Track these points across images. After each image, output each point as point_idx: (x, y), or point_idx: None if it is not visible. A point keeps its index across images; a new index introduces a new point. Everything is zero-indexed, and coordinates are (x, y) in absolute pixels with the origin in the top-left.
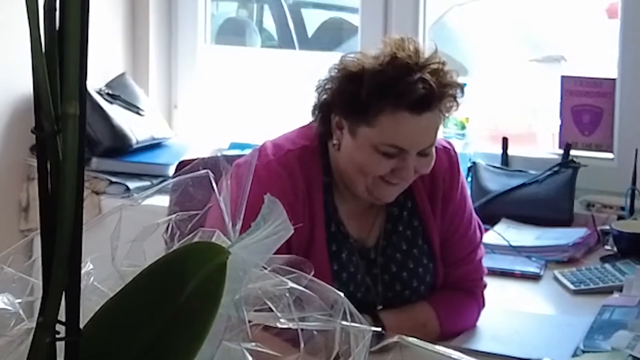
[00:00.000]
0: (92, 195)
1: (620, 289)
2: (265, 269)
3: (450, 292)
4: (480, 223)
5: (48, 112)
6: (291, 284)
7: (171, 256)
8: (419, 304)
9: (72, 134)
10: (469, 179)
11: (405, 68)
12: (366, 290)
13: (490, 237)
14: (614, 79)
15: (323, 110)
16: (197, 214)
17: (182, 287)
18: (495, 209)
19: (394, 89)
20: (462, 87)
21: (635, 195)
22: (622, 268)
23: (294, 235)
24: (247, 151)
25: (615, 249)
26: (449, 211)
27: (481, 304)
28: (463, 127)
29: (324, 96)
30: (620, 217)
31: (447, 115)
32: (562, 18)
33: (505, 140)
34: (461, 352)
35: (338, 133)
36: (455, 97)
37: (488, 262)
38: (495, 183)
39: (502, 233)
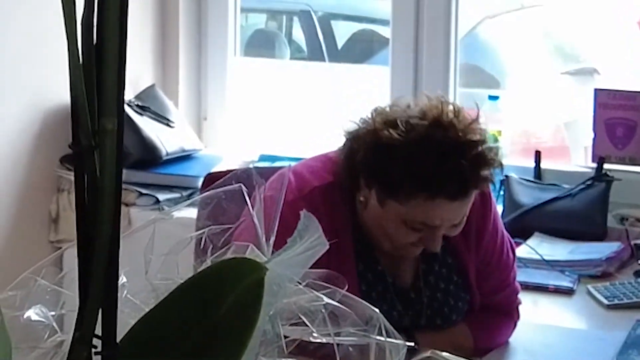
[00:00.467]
0: (121, 207)
1: None
2: (300, 284)
3: (486, 314)
4: (512, 242)
5: (85, 126)
6: (326, 299)
7: (208, 271)
8: (456, 327)
9: (110, 149)
10: (501, 192)
11: (441, 153)
12: (401, 327)
13: (523, 251)
14: None
15: (350, 163)
16: (230, 227)
17: (219, 302)
18: (527, 223)
19: (429, 180)
20: (501, 165)
21: None
22: None
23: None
24: (278, 163)
25: None
26: (483, 243)
27: (516, 319)
28: (495, 140)
29: (354, 152)
30: None
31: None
32: (594, 30)
33: (538, 154)
34: None
35: (366, 191)
36: (492, 179)
37: (521, 276)
38: (527, 197)
39: (535, 247)
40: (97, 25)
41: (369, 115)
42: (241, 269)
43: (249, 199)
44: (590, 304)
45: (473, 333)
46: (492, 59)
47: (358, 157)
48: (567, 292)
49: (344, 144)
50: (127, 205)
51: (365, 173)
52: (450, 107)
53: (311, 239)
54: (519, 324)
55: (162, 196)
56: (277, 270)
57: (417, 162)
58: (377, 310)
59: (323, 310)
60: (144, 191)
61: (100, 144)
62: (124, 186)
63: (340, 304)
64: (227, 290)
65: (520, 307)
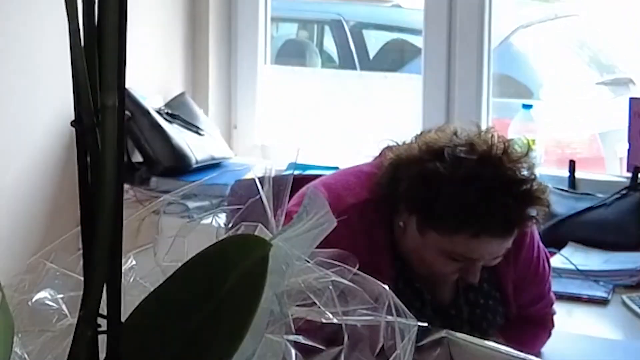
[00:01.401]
0: (151, 215)
1: None
2: (309, 262)
3: (522, 325)
4: (547, 253)
5: (87, 104)
6: (335, 277)
7: (212, 249)
8: (492, 339)
9: (111, 125)
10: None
11: (488, 191)
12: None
13: (557, 261)
14: None
15: (392, 191)
16: (240, 208)
17: (223, 280)
18: (562, 233)
19: (474, 217)
20: (549, 205)
21: None
22: None
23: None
24: (308, 172)
25: None
26: (521, 258)
27: (551, 329)
28: (530, 150)
29: (395, 179)
30: None
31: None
32: (630, 40)
33: (572, 163)
34: None
35: (405, 217)
36: (539, 219)
37: (555, 286)
38: (562, 206)
39: (569, 257)
40: (97, 4)
41: (413, 140)
42: (245, 245)
43: (262, 191)
44: (625, 314)
45: (509, 344)
46: (525, 68)
47: (401, 187)
48: (602, 302)
49: (385, 169)
50: (156, 213)
51: (408, 202)
52: (500, 142)
53: (318, 216)
54: (553, 333)
55: (191, 204)
56: (284, 248)
57: (464, 198)
58: (386, 287)
59: (331, 288)
60: (173, 199)
61: (102, 121)
62: (153, 194)
63: (350, 282)
64: (231, 267)
65: (555, 317)
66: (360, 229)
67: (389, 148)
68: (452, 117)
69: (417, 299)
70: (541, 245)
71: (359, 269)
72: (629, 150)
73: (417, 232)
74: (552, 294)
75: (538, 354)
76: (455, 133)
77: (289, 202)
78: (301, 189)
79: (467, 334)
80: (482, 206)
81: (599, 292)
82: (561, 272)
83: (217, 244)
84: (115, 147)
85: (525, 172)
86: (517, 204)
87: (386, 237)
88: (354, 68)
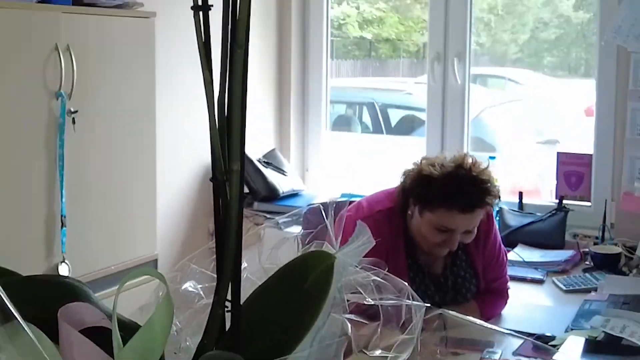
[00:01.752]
0: (253, 226)
1: (595, 290)
2: (357, 267)
3: (489, 295)
4: (505, 249)
5: (220, 168)
6: (373, 277)
7: (297, 259)
8: (469, 304)
9: (235, 182)
10: (497, 218)
11: (461, 183)
12: (433, 303)
13: (511, 256)
14: (591, 154)
15: (405, 192)
16: (313, 232)
17: (305, 279)
18: (514, 238)
19: (450, 199)
20: (499, 197)
21: (605, 229)
22: (597, 276)
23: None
24: (354, 199)
25: (592, 264)
26: (487, 248)
27: (507, 299)
28: (496, 182)
29: (407, 183)
30: (595, 243)
31: (488, 210)
32: (558, 115)
33: (520, 194)
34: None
35: (412, 208)
36: (492, 204)
37: (509, 271)
38: (514, 221)
39: (519, 253)
40: (227, 104)
41: (418, 161)
42: (319, 257)
43: (327, 219)
44: (554, 290)
45: (479, 307)
46: (491, 133)
47: (408, 185)
48: (539, 282)
49: (400, 181)
50: (257, 225)
51: (413, 195)
52: (470, 159)
53: (362, 240)
54: (508, 302)
55: (280, 219)
56: (342, 259)
57: (444, 188)
58: (406, 283)
59: (372, 284)
60: (268, 216)
61: (229, 179)
62: (254, 213)
63: (383, 280)
64: (310, 270)
65: (509, 291)
66: (384, 225)
67: (403, 172)
68: None
69: (419, 272)
70: (501, 243)
71: (386, 252)
72: (556, 185)
73: (419, 215)
74: (507, 275)
75: (499, 316)
76: (445, 157)
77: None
78: (352, 203)
79: (452, 298)
80: (455, 193)
81: (538, 276)
82: (514, 263)
83: (300, 256)
84: (237, 194)
85: (485, 177)
86: (478, 193)
87: (402, 232)
88: (382, 133)
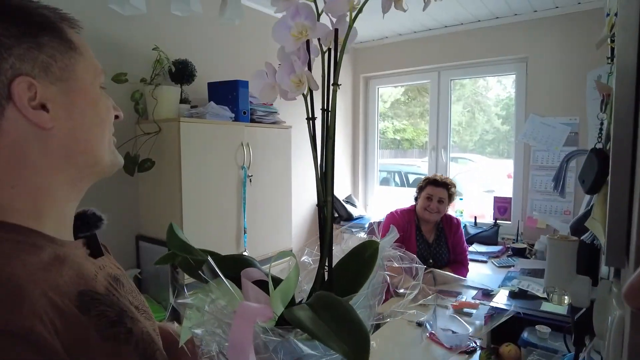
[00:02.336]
0: (339, 233)
1: (513, 266)
2: (390, 248)
3: (458, 264)
4: (466, 242)
5: (321, 200)
6: (400, 252)
7: (361, 244)
8: (447, 269)
9: (329, 207)
10: (464, 229)
11: (436, 182)
12: (427, 257)
13: (471, 249)
14: (511, 197)
15: (415, 197)
16: (368, 233)
17: (364, 254)
18: (472, 239)
19: (432, 181)
20: (455, 186)
21: (518, 235)
22: (514, 259)
23: (402, 236)
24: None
25: (512, 252)
26: (457, 236)
27: (467, 267)
28: (461, 213)
29: (416, 192)
30: (513, 242)
31: (450, 195)
32: (492, 177)
33: (475, 217)
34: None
35: (418, 196)
36: (451, 190)
37: (470, 257)
38: (472, 230)
39: (475, 248)
40: (324, 168)
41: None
42: (371, 244)
43: (377, 228)
44: (492, 266)
45: (452, 271)
46: (460, 186)
47: (417, 192)
48: (484, 262)
49: (414, 196)
50: (342, 232)
51: (418, 190)
52: (446, 176)
53: (392, 234)
54: (470, 271)
55: (354, 230)
56: (382, 244)
57: (429, 179)
58: (414, 255)
59: (398, 256)
60: (347, 229)
61: (326, 205)
62: (340, 226)
63: (403, 254)
64: (367, 250)
65: (469, 265)
66: (405, 215)
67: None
68: None
69: (422, 240)
70: (464, 238)
71: (404, 228)
72: (493, 212)
73: (419, 196)
74: (467, 254)
75: (465, 279)
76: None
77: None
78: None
79: (433, 261)
80: (433, 179)
81: (484, 258)
82: (472, 253)
83: (362, 243)
84: (330, 214)
85: (450, 182)
86: (444, 181)
87: (413, 219)
88: (404, 187)
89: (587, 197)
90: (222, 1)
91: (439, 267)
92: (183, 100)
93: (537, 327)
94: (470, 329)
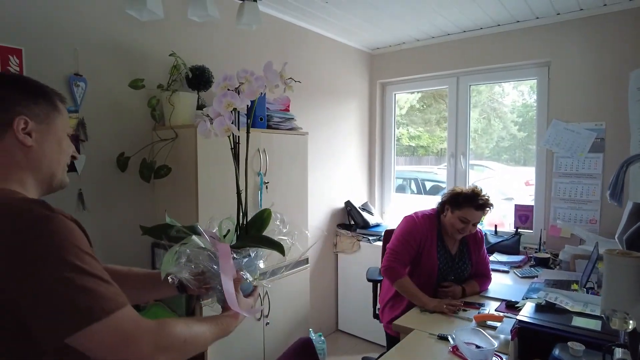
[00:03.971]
0: (356, 242)
1: (537, 277)
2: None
3: (482, 277)
4: (487, 254)
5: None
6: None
7: (259, 212)
8: (472, 282)
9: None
10: (485, 238)
11: (477, 195)
12: (448, 272)
13: (491, 258)
14: (532, 205)
15: (442, 204)
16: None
17: (262, 216)
18: (492, 249)
19: (473, 201)
20: (492, 206)
21: (541, 244)
22: (537, 269)
23: (420, 243)
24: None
25: (534, 262)
26: (480, 250)
27: (490, 279)
28: (481, 222)
29: (444, 198)
30: (535, 251)
31: (486, 213)
32: (510, 184)
33: (495, 226)
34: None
35: (446, 210)
36: (488, 211)
37: (491, 266)
38: (492, 239)
39: (495, 257)
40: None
41: (449, 191)
42: (265, 211)
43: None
44: (514, 277)
45: (478, 284)
46: None
47: (445, 199)
48: (506, 272)
49: (438, 202)
50: (358, 240)
51: (448, 202)
52: (480, 190)
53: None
54: (491, 282)
55: (371, 238)
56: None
57: (468, 196)
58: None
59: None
60: (364, 236)
61: (239, 194)
62: (357, 234)
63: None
64: (263, 214)
65: (491, 275)
66: (427, 221)
67: (441, 196)
68: None
69: (444, 250)
70: (485, 250)
71: (425, 236)
72: (514, 221)
73: (450, 213)
74: (490, 267)
75: (487, 290)
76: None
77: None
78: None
79: (455, 277)
80: (474, 198)
81: (505, 268)
82: (493, 262)
83: (260, 210)
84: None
85: (489, 200)
86: (483, 202)
87: (436, 225)
88: (421, 194)
89: (630, 206)
90: (240, 6)
91: (460, 282)
92: (200, 107)
93: (569, 343)
94: (496, 344)
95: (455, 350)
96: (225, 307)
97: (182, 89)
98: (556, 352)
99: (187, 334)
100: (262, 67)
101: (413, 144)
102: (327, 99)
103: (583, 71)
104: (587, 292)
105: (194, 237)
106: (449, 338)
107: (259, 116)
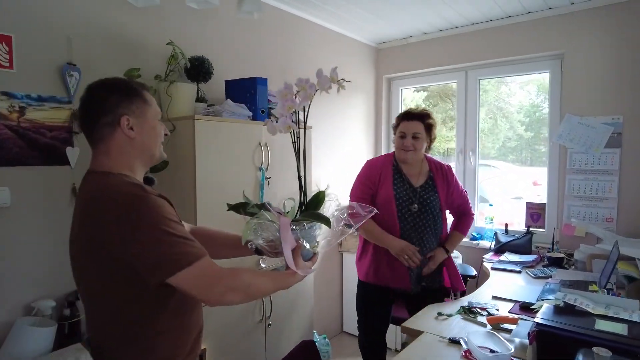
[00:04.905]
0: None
1: (551, 277)
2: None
3: (462, 216)
4: (464, 188)
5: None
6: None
7: (315, 194)
8: (439, 250)
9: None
10: (493, 238)
11: (408, 111)
12: (409, 201)
13: (502, 257)
14: (544, 203)
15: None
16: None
17: (318, 197)
18: (503, 248)
19: (403, 115)
20: (431, 116)
21: (554, 244)
22: (551, 269)
23: (375, 180)
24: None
25: (547, 262)
26: (449, 182)
27: (472, 216)
28: (491, 220)
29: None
30: (548, 251)
31: (428, 127)
32: (517, 184)
33: (506, 224)
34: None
35: (394, 137)
36: (428, 121)
37: (504, 266)
38: (503, 239)
39: (506, 257)
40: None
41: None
42: (320, 193)
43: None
44: (527, 276)
45: (458, 228)
46: (486, 193)
47: (393, 130)
48: (518, 272)
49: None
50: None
51: (393, 131)
52: (422, 107)
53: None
54: (501, 284)
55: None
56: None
57: (401, 114)
58: (374, 208)
59: (355, 206)
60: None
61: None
62: None
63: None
64: (318, 196)
65: (503, 276)
66: (382, 158)
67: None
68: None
69: (402, 181)
70: (460, 183)
71: (381, 168)
72: (525, 219)
73: (394, 135)
74: (469, 202)
75: (499, 290)
76: None
77: None
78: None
79: (424, 206)
80: (403, 115)
81: (517, 268)
82: (504, 262)
83: (316, 193)
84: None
85: (426, 112)
86: (418, 113)
87: (390, 161)
88: None
89: None
90: None
91: (429, 212)
92: (199, 99)
93: (594, 349)
94: (512, 348)
95: (468, 354)
96: (287, 267)
97: (180, 80)
98: (580, 357)
99: (251, 280)
100: (265, 60)
101: None
102: (332, 93)
103: (599, 63)
104: (608, 294)
105: (264, 212)
106: (461, 342)
107: (260, 108)
